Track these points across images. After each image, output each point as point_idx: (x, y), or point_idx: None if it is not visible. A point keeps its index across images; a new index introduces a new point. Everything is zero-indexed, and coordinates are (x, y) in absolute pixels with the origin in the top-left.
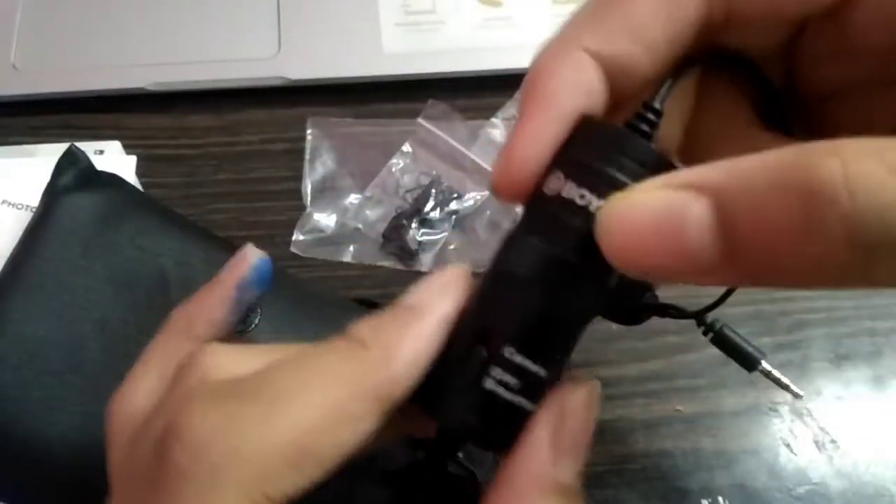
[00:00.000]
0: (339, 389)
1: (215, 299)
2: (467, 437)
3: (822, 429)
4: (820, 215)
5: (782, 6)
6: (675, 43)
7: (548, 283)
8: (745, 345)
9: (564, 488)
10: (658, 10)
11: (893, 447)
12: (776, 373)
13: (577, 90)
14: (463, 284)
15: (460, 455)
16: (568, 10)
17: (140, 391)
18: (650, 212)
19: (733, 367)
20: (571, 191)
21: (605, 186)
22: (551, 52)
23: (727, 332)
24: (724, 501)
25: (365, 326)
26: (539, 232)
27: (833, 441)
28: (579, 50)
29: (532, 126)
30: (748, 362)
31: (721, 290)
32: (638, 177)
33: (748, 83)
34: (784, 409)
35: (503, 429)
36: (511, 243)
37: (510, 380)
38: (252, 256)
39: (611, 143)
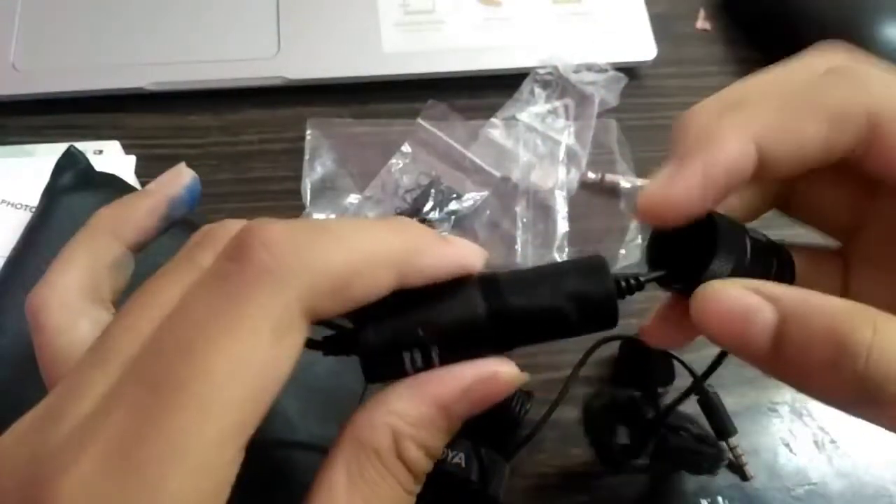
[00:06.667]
0: (383, 241)
1: (147, 209)
2: (362, 355)
3: (821, 428)
4: (843, 363)
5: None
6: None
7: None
8: (724, 416)
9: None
10: (815, 133)
11: (893, 447)
12: (739, 449)
13: (741, 157)
14: (477, 259)
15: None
16: (567, 9)
17: (69, 282)
18: (737, 301)
19: (732, 367)
20: None
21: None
22: (728, 120)
23: (714, 399)
24: (723, 501)
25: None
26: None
27: (833, 441)
28: (749, 129)
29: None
30: (721, 432)
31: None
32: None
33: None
34: (784, 409)
35: (384, 373)
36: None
37: (418, 359)
38: (186, 176)
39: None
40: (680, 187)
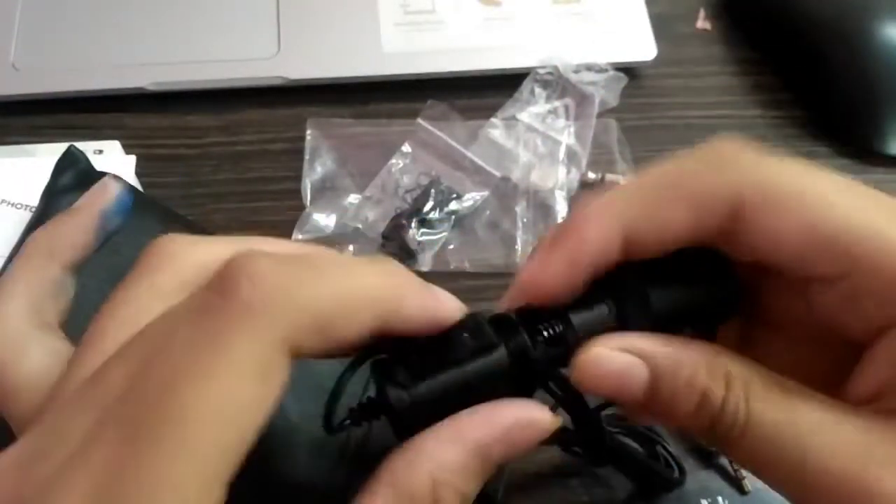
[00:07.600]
0: (368, 284)
1: (80, 226)
2: (394, 420)
3: None
4: (702, 413)
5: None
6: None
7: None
8: None
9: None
10: (680, 218)
11: None
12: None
13: (605, 242)
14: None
15: None
16: (567, 9)
17: (12, 311)
18: (614, 363)
19: None
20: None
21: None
22: (593, 207)
23: None
24: (723, 501)
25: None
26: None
27: None
28: (613, 217)
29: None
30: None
31: None
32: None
33: None
34: None
35: (416, 430)
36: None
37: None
38: (114, 188)
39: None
40: (549, 274)
